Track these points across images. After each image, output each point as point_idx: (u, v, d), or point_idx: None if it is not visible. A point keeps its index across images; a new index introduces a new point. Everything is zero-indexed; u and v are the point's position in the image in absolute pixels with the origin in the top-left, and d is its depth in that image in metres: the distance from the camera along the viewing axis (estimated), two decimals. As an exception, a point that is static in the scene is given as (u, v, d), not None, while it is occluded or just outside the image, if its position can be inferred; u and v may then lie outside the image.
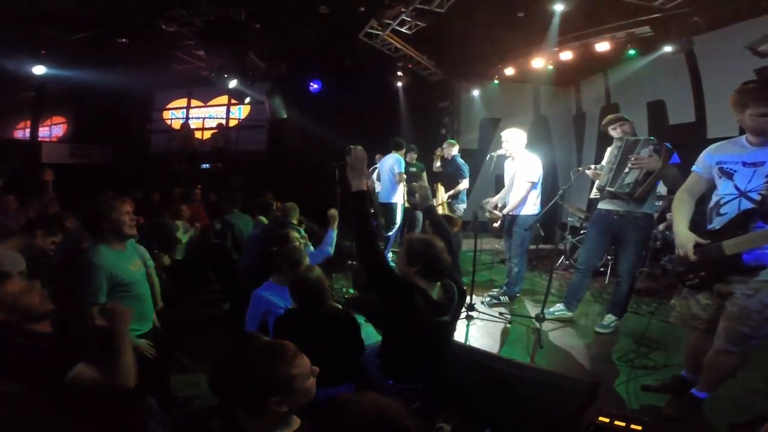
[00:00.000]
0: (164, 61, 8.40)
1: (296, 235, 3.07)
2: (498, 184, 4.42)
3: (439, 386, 2.17)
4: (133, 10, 5.94)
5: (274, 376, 1.13)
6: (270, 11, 6.10)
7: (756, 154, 2.07)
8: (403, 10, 5.34)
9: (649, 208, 3.36)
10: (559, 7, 4.71)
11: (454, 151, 5.91)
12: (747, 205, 2.04)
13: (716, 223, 2.15)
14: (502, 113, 8.39)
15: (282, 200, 4.86)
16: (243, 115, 10.83)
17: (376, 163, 6.05)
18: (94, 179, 8.70)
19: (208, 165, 9.79)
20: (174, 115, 11.44)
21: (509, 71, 7.26)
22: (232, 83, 8.01)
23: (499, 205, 4.18)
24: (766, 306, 2.02)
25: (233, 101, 10.65)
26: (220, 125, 10.75)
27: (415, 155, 6.35)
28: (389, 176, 5.56)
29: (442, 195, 5.59)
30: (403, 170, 5.50)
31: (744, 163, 2.09)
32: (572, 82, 8.15)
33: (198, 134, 10.92)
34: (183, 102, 11.36)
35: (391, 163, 5.54)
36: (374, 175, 6.28)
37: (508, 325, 3.76)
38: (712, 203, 2.21)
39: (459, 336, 3.45)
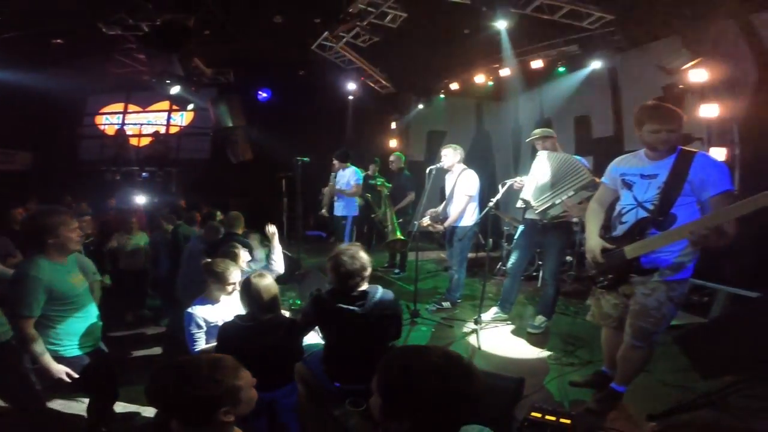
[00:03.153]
0: (101, 64, 7.90)
1: (240, 250, 3.03)
2: (443, 196, 4.62)
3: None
4: (72, 11, 5.55)
5: (223, 387, 1.18)
6: (221, 18, 5.96)
7: (651, 168, 2.29)
8: (358, 24, 5.43)
9: (569, 217, 3.66)
10: (502, 25, 4.91)
11: (400, 163, 6.06)
12: (643, 214, 2.27)
13: (619, 231, 2.38)
14: (447, 126, 8.73)
15: (226, 211, 4.75)
16: (185, 122, 10.39)
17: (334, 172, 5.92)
18: (14, 187, 7.97)
19: (146, 174, 9.28)
20: (108, 120, 10.73)
21: (454, 86, 7.58)
22: (175, 89, 7.68)
23: (440, 217, 4.37)
24: (661, 303, 2.25)
25: (175, 107, 10.21)
26: (156, 133, 10.24)
27: (377, 168, 6.39)
28: (347, 189, 5.54)
29: (390, 210, 5.66)
30: (360, 182, 5.54)
31: (642, 176, 2.31)
32: (511, 98, 8.65)
33: (134, 141, 10.33)
34: (119, 107, 10.70)
35: (350, 175, 5.54)
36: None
37: (450, 329, 3.93)
38: (615, 212, 2.44)
39: (405, 341, 3.58)
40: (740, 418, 2.33)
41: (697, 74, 4.58)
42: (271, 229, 3.22)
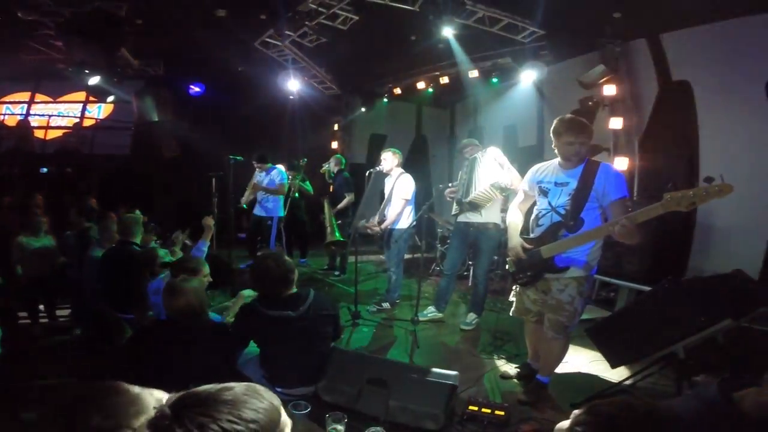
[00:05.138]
0: (10, 50, 6.94)
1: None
2: (383, 199, 4.71)
3: (327, 390, 2.25)
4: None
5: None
6: (157, 8, 5.50)
7: (563, 176, 2.53)
8: (306, 23, 5.28)
9: (496, 219, 3.93)
10: (448, 33, 5.01)
11: (340, 165, 6.08)
12: (556, 218, 2.50)
13: (536, 233, 2.60)
14: (388, 130, 8.88)
15: (149, 211, 4.42)
16: (103, 115, 9.50)
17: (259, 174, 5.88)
18: None
19: (46, 169, 8.35)
20: (9, 110, 9.51)
21: (397, 91, 7.73)
22: (94, 80, 7.00)
23: (378, 220, 4.46)
24: (573, 298, 2.49)
25: (92, 99, 9.29)
26: (76, 125, 9.29)
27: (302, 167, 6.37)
28: (271, 186, 5.68)
29: (329, 212, 5.65)
30: (285, 182, 5.65)
31: (555, 183, 2.55)
32: (449, 105, 9.02)
33: (40, 133, 9.26)
34: (25, 96, 9.54)
35: (275, 175, 5.65)
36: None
37: (390, 329, 4.00)
38: (533, 216, 2.67)
39: (347, 342, 3.62)
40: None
41: (608, 89, 5.09)
42: (208, 221, 3.13)
